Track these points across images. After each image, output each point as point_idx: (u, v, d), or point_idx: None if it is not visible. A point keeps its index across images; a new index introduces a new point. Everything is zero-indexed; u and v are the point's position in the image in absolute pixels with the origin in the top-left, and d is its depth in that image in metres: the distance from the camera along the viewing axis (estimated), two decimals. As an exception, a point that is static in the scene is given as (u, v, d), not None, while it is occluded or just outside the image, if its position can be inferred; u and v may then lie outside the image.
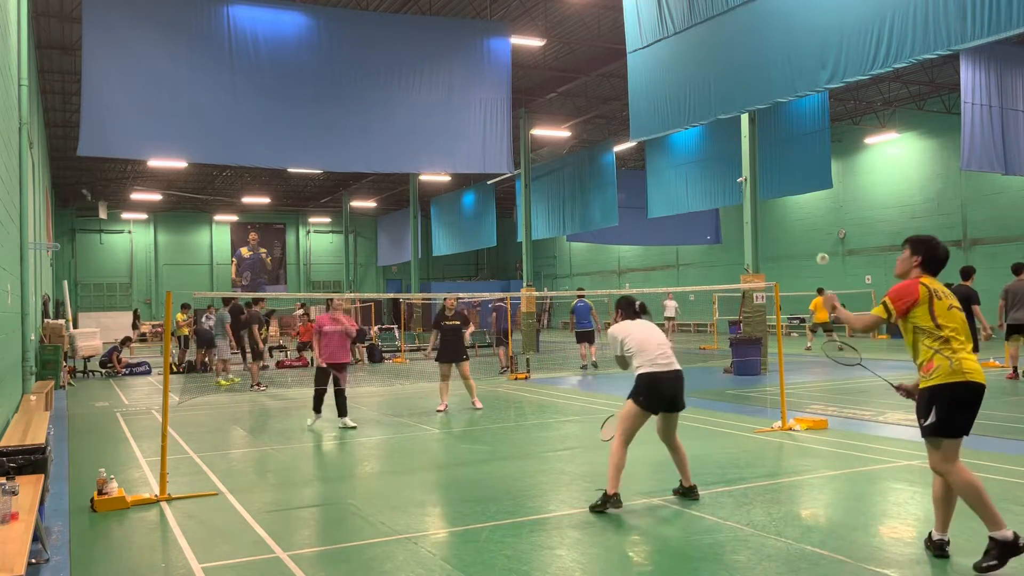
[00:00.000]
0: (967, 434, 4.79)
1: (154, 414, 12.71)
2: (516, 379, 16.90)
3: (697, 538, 5.60)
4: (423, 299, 35.93)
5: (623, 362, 6.65)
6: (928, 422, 4.75)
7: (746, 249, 17.84)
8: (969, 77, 17.77)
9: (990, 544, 4.65)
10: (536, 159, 31.85)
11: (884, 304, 4.96)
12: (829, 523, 5.91)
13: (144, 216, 44.23)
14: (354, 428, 10.79)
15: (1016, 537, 4.60)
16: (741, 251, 18.27)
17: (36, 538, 5.19)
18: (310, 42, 17.87)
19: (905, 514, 6.11)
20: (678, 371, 6.48)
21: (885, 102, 27.44)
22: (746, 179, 17.82)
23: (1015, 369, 13.99)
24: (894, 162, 28.70)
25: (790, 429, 9.72)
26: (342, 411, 10.91)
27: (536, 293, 21.91)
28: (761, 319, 17.46)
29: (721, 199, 23.59)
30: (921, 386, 4.84)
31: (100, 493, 6.77)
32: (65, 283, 30.21)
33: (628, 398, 6.43)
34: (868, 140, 28.96)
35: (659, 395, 6.37)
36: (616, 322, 6.85)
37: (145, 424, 11.73)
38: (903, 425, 9.91)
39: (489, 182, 33.21)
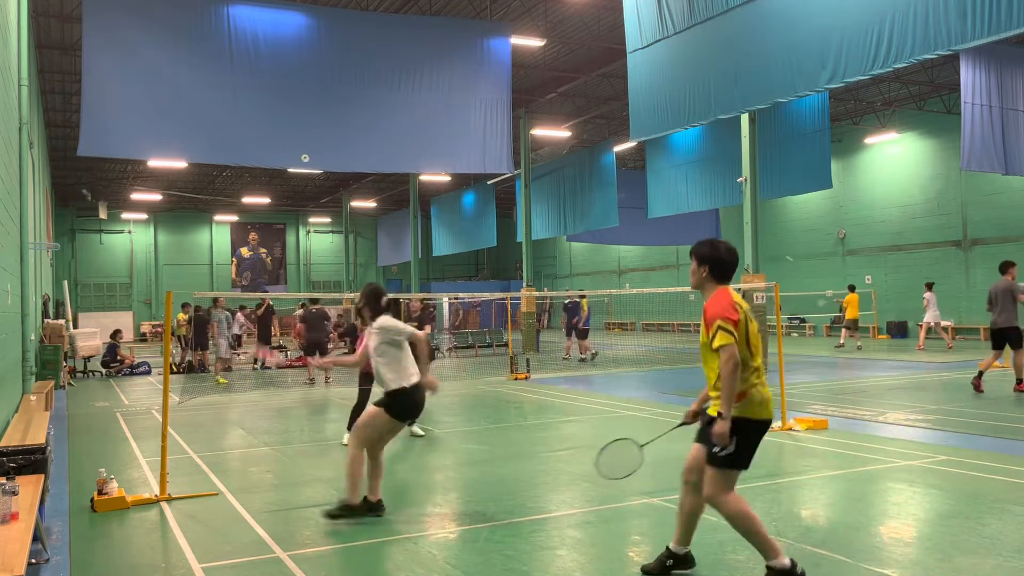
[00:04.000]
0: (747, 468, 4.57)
1: (154, 414, 12.71)
2: (516, 379, 16.89)
3: (697, 538, 5.59)
4: (423, 299, 35.93)
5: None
6: (727, 452, 4.42)
7: (746, 249, 17.84)
8: (969, 77, 17.77)
9: (769, 573, 4.45)
10: (536, 159, 31.84)
11: (722, 329, 4.38)
12: (829, 523, 5.91)
13: (144, 216, 44.22)
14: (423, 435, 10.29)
15: (794, 564, 4.42)
16: (741, 251, 18.27)
17: (36, 538, 5.19)
18: (310, 42, 17.86)
19: (905, 514, 6.11)
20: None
21: (885, 102, 27.43)
22: (746, 179, 17.82)
23: (980, 374, 12.60)
24: (894, 162, 28.69)
25: (790, 429, 9.72)
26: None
27: (536, 293, 21.93)
28: (761, 319, 17.46)
29: (721, 199, 23.59)
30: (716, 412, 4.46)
31: (100, 493, 6.77)
32: (65, 283, 30.20)
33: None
34: (868, 140, 28.95)
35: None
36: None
37: (145, 424, 11.72)
38: (903, 425, 9.92)
39: (489, 182, 33.20)
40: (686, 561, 4.86)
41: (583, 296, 21.55)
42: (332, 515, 6.15)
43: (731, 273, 4.68)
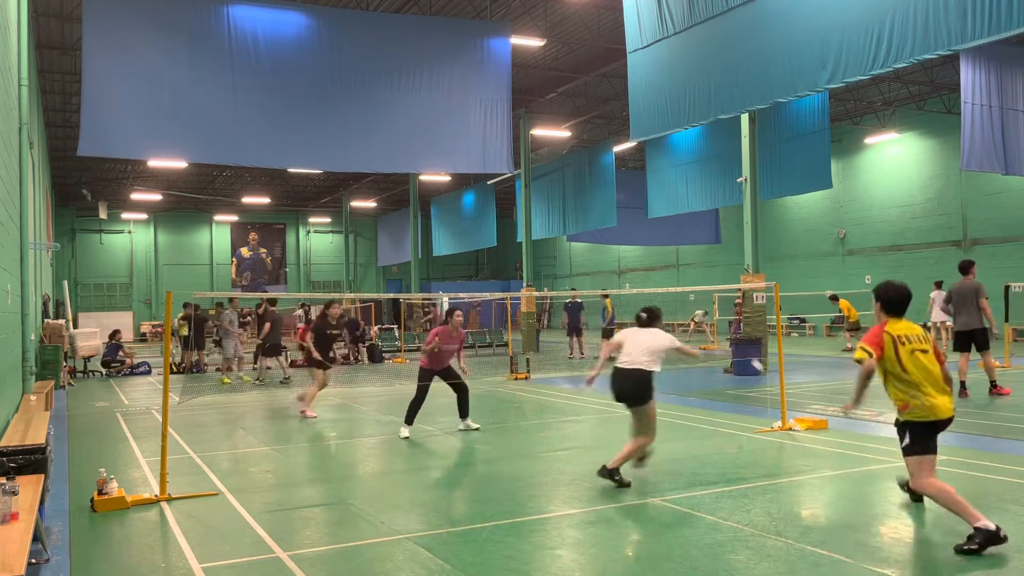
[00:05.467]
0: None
1: (154, 414, 12.71)
2: (516, 379, 16.89)
3: (697, 538, 5.60)
4: (423, 299, 35.90)
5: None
6: (904, 445, 5.61)
7: (746, 249, 17.83)
8: (969, 77, 17.76)
9: (975, 534, 5.15)
10: (536, 159, 31.82)
11: (860, 348, 5.59)
12: (829, 523, 5.91)
13: (144, 216, 44.21)
14: (477, 429, 10.37)
15: (998, 528, 5.11)
16: (741, 251, 18.27)
17: (36, 538, 5.19)
18: (310, 42, 17.86)
19: (905, 514, 6.11)
20: (637, 370, 7.14)
21: (885, 102, 27.42)
22: (746, 179, 17.81)
23: (963, 384, 12.12)
24: (894, 162, 28.69)
25: (790, 429, 9.72)
26: (465, 412, 10.41)
27: (536, 293, 21.93)
28: (761, 319, 17.46)
29: (721, 199, 23.59)
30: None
31: (100, 493, 6.77)
32: (65, 283, 30.19)
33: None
34: (868, 140, 28.94)
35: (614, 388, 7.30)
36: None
37: (145, 424, 11.73)
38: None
39: (489, 182, 33.19)
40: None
41: (607, 296, 21.51)
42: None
43: (898, 309, 5.71)
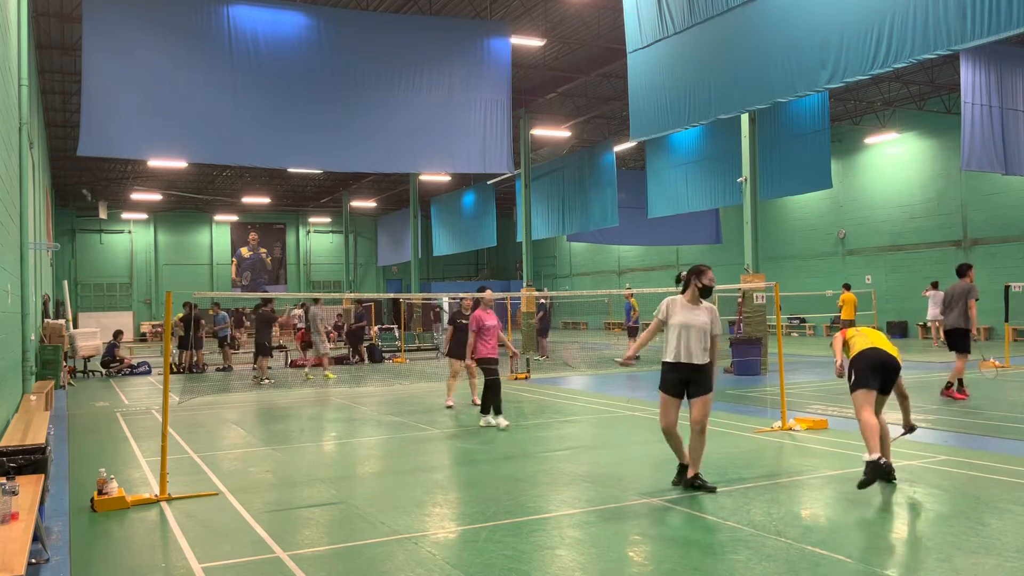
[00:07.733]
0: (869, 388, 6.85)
1: (154, 414, 12.71)
2: (516, 379, 16.89)
3: (697, 538, 5.60)
4: (423, 299, 35.92)
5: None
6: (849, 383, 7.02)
7: (746, 249, 17.83)
8: (969, 77, 17.76)
9: (866, 468, 6.44)
10: (536, 159, 31.81)
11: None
12: (829, 523, 5.91)
13: (144, 216, 44.22)
14: (506, 428, 10.50)
15: (877, 460, 6.38)
16: (741, 251, 18.27)
17: (36, 538, 5.19)
18: (310, 42, 17.87)
19: (905, 514, 6.11)
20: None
21: (885, 102, 27.43)
22: (746, 179, 17.82)
23: (953, 384, 12.09)
24: (894, 162, 28.69)
25: (790, 429, 9.72)
26: (499, 409, 10.71)
27: (536, 293, 21.95)
28: (761, 319, 17.46)
29: (721, 199, 23.59)
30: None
31: (100, 493, 6.77)
32: (65, 283, 30.19)
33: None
34: (868, 140, 28.95)
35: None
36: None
37: (145, 424, 11.73)
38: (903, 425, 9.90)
39: (489, 182, 33.19)
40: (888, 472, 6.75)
41: (631, 295, 21.43)
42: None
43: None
